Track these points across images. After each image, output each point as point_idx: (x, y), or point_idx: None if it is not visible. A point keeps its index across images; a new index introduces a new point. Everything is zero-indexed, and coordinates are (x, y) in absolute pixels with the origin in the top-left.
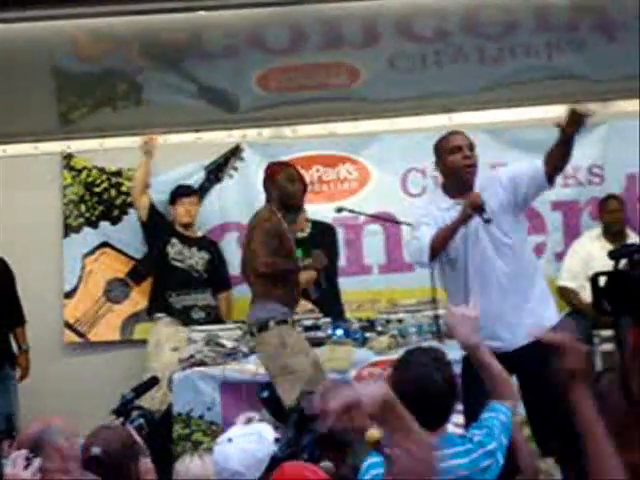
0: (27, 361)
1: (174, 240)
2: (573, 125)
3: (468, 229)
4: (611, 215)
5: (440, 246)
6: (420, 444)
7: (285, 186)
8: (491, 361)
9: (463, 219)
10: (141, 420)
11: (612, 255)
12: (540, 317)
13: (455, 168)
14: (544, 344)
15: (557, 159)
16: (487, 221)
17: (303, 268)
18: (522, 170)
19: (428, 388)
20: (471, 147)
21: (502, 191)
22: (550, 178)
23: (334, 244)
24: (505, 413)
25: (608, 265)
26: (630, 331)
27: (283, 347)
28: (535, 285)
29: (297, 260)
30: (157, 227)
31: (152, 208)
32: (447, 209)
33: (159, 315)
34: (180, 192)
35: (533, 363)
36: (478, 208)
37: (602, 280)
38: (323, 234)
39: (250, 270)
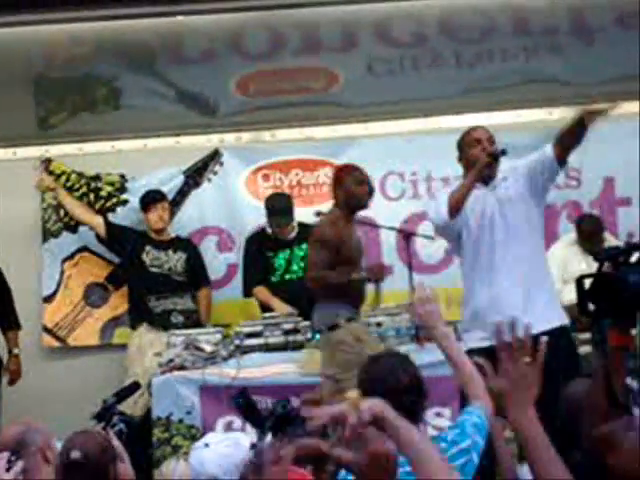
0: (17, 365)
1: (147, 247)
2: (592, 118)
3: (484, 216)
4: (587, 239)
5: (457, 200)
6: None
7: (352, 189)
8: (462, 358)
9: (480, 168)
10: (121, 425)
11: (597, 257)
12: (552, 310)
13: (475, 160)
14: (556, 335)
15: (569, 141)
16: (503, 152)
17: (357, 279)
18: (535, 157)
19: (395, 387)
20: (491, 140)
21: (521, 179)
22: (560, 160)
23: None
24: (477, 414)
25: (583, 269)
26: (609, 332)
27: (359, 342)
28: (547, 277)
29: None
30: (123, 239)
31: (108, 224)
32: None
33: (141, 325)
34: (150, 198)
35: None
36: (494, 157)
37: (587, 283)
38: (307, 234)
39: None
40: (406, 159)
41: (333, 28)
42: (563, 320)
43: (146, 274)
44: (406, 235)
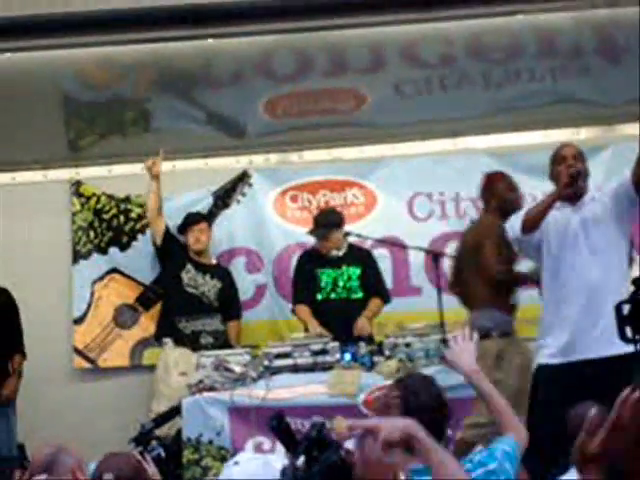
0: (14, 385)
1: (189, 266)
2: None
3: (567, 235)
4: None
5: (532, 216)
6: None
7: (505, 194)
8: (493, 392)
9: (559, 192)
10: (160, 450)
11: (635, 283)
12: (611, 336)
13: (559, 177)
14: (621, 361)
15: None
16: (579, 173)
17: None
18: (619, 181)
19: (417, 407)
20: (576, 157)
21: (607, 201)
22: (637, 185)
23: (375, 266)
24: (509, 444)
25: None
26: None
27: (499, 360)
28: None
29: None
30: (171, 252)
31: (167, 232)
32: (557, 209)
33: (166, 340)
34: (189, 220)
35: (618, 376)
36: (571, 180)
37: (625, 308)
38: (359, 257)
39: (477, 278)
40: (434, 179)
41: (360, 50)
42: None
43: (179, 292)
44: (434, 256)
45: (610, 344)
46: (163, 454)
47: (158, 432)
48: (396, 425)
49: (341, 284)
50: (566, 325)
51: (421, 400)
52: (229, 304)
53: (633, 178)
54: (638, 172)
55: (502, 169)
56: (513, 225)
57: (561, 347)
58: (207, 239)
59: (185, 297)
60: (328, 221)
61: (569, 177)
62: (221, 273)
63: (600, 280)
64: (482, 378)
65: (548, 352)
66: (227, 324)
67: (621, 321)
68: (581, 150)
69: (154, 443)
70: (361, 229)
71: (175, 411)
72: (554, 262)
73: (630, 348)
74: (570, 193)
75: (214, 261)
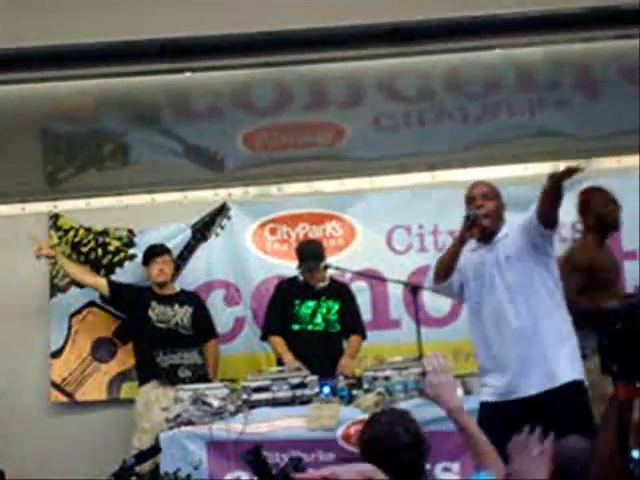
0: None
1: (153, 303)
2: (564, 177)
3: (483, 276)
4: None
5: (441, 266)
6: None
7: (600, 210)
8: (473, 427)
9: (460, 237)
10: None
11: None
12: (552, 366)
13: (471, 217)
14: (560, 392)
15: (547, 202)
16: (475, 216)
17: (606, 308)
18: (526, 217)
19: (395, 446)
20: (485, 196)
21: (517, 237)
22: (543, 220)
23: (354, 302)
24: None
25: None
26: (617, 385)
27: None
28: (547, 333)
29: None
30: (126, 299)
31: (112, 283)
32: (473, 250)
33: (148, 380)
34: (152, 252)
35: (555, 408)
36: (472, 221)
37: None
38: (340, 291)
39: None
40: (412, 213)
41: (339, 83)
42: (577, 375)
43: (153, 330)
44: (413, 288)
45: (538, 381)
46: None
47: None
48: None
49: (320, 317)
50: (496, 366)
51: (399, 439)
52: (203, 326)
53: (538, 214)
54: (542, 208)
55: None
56: (429, 275)
57: (496, 387)
58: (170, 271)
59: (158, 333)
60: (314, 253)
61: (465, 219)
62: (188, 298)
63: (518, 319)
64: (462, 413)
65: (487, 390)
66: (205, 348)
67: (603, 355)
68: (494, 187)
69: (133, 479)
70: (340, 262)
71: (155, 449)
72: (475, 305)
73: (569, 378)
74: (476, 234)
75: (177, 288)
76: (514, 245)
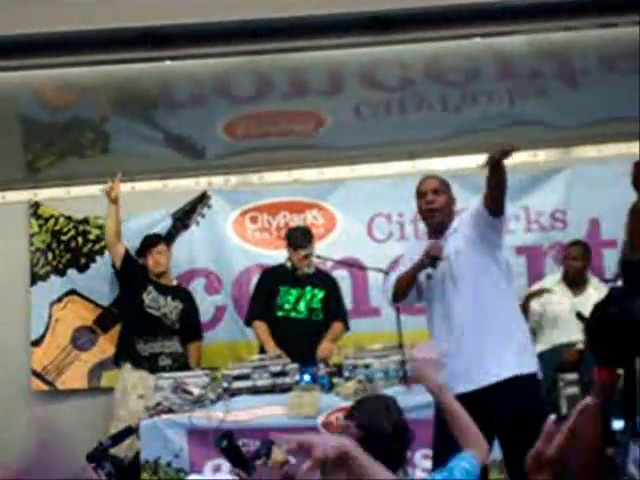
0: None
1: (150, 287)
2: (499, 159)
3: (435, 272)
4: (572, 262)
5: (400, 288)
6: None
7: None
8: (456, 407)
9: (419, 266)
10: (110, 467)
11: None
12: (499, 360)
13: (421, 212)
14: (508, 384)
15: (490, 189)
16: (428, 277)
17: None
18: (473, 208)
19: (378, 434)
20: (436, 191)
21: (467, 230)
22: (490, 209)
23: (339, 291)
24: (469, 461)
25: (566, 309)
26: (598, 370)
27: None
28: (493, 327)
29: None
30: (132, 274)
31: (127, 255)
32: (424, 245)
33: (124, 364)
34: (147, 243)
35: (501, 403)
36: (433, 259)
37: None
38: (325, 280)
39: None
40: (393, 201)
41: (320, 72)
42: (526, 369)
43: (141, 313)
44: None
45: (478, 378)
46: (113, 471)
47: (118, 452)
48: (331, 442)
49: (303, 304)
50: (450, 356)
51: (382, 427)
52: (190, 325)
53: (484, 201)
54: (486, 195)
55: (460, 191)
56: (387, 292)
57: (448, 378)
58: (167, 261)
59: (146, 318)
60: (304, 237)
61: (425, 256)
62: (182, 294)
63: (465, 311)
64: (446, 393)
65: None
66: (188, 346)
67: (589, 339)
68: (444, 181)
69: (106, 460)
70: (321, 250)
71: (130, 430)
72: (428, 301)
73: (518, 371)
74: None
75: (175, 282)
76: (463, 238)
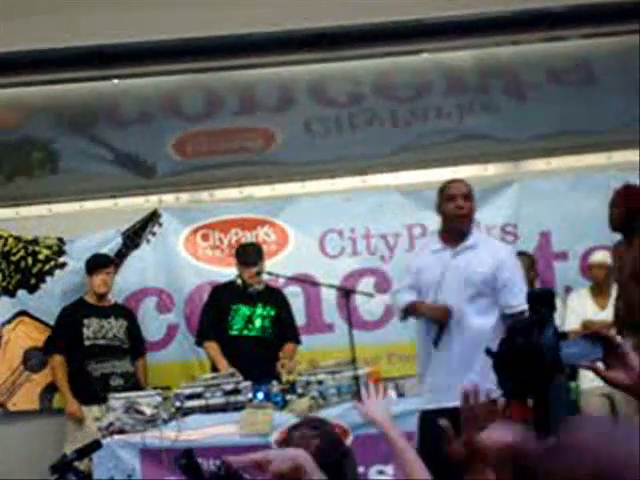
0: None
1: (89, 319)
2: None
3: (443, 278)
4: None
5: (410, 315)
6: None
7: None
8: (401, 442)
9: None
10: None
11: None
12: (486, 375)
13: (448, 216)
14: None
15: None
16: (435, 343)
17: None
18: (505, 290)
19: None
20: (466, 197)
21: (487, 269)
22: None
23: (289, 308)
24: None
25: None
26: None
27: None
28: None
29: None
30: (69, 338)
31: (61, 345)
32: (435, 251)
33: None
34: (97, 262)
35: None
36: (442, 322)
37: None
38: (275, 298)
39: None
40: (344, 217)
41: (269, 89)
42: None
43: (86, 346)
44: (346, 292)
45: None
46: None
47: (82, 467)
48: (285, 456)
49: (255, 322)
50: (428, 373)
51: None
52: (135, 341)
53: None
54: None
55: (411, 206)
56: (398, 308)
57: (429, 394)
58: (111, 283)
59: (93, 349)
60: (253, 254)
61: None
62: (123, 312)
63: (466, 325)
64: (393, 430)
65: (430, 397)
66: (135, 364)
67: (497, 373)
68: (470, 186)
69: (70, 474)
70: (273, 267)
71: (96, 444)
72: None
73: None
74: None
75: (113, 301)
76: (481, 267)
